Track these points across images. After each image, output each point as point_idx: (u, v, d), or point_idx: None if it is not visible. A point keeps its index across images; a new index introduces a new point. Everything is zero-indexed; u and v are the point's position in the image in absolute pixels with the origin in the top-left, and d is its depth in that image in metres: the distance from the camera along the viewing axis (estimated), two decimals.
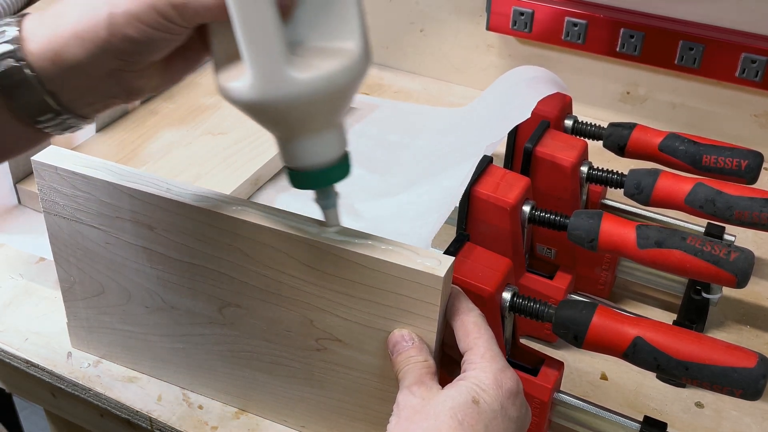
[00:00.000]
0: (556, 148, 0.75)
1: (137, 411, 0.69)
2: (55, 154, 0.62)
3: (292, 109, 0.46)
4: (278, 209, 0.57)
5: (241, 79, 0.46)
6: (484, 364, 0.52)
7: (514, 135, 0.82)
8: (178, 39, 0.48)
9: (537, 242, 0.78)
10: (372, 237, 0.54)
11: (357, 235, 0.54)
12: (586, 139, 0.80)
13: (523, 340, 0.67)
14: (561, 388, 0.65)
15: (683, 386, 0.73)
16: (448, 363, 0.57)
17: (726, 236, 0.76)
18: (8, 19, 0.49)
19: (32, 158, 0.62)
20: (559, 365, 0.64)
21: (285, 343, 0.60)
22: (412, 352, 0.54)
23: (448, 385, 0.51)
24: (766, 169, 0.94)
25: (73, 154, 0.63)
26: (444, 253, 0.60)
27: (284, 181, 0.92)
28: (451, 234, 0.67)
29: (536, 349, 0.66)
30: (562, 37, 1.04)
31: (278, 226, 0.55)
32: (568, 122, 0.83)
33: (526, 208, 0.71)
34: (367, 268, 0.53)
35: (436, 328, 0.53)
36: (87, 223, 0.63)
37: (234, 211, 0.56)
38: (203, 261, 0.60)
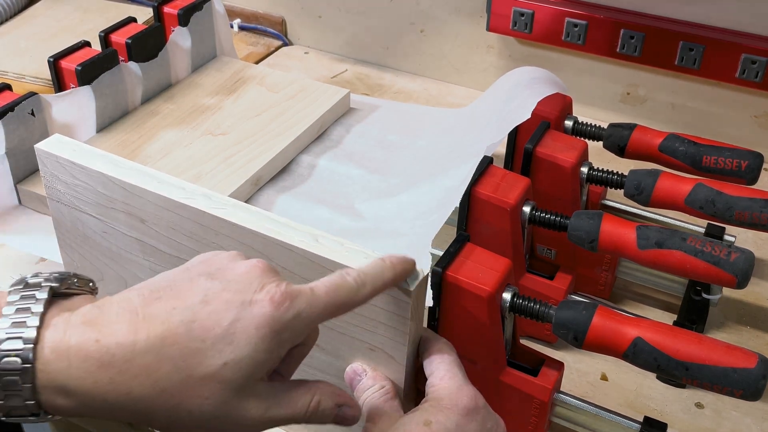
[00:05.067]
0: (556, 149, 0.75)
1: None
2: (57, 143, 0.63)
3: None
4: (264, 212, 0.57)
5: None
6: (442, 385, 0.52)
7: (514, 135, 0.82)
8: None
9: (537, 243, 0.78)
10: (350, 245, 0.53)
11: (335, 243, 0.54)
12: (586, 140, 0.80)
13: (523, 341, 0.67)
14: (561, 389, 0.65)
15: (683, 387, 0.73)
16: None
17: (726, 237, 0.76)
18: (31, 304, 0.41)
19: (35, 146, 0.63)
20: (559, 366, 0.64)
21: None
22: (367, 383, 0.55)
23: (409, 411, 0.52)
24: (766, 169, 0.94)
25: (74, 144, 0.63)
26: (444, 253, 0.60)
27: (284, 182, 0.92)
28: (452, 234, 0.67)
29: (536, 349, 0.66)
30: (563, 38, 1.04)
31: (258, 228, 0.55)
32: (568, 123, 0.83)
33: (527, 209, 0.71)
34: None
35: (407, 341, 0.53)
36: (85, 211, 0.64)
37: (218, 211, 0.56)
38: (190, 257, 0.60)
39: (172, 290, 0.43)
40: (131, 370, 0.40)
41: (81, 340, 0.40)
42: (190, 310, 0.42)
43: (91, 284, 0.47)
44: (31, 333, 0.40)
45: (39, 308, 0.41)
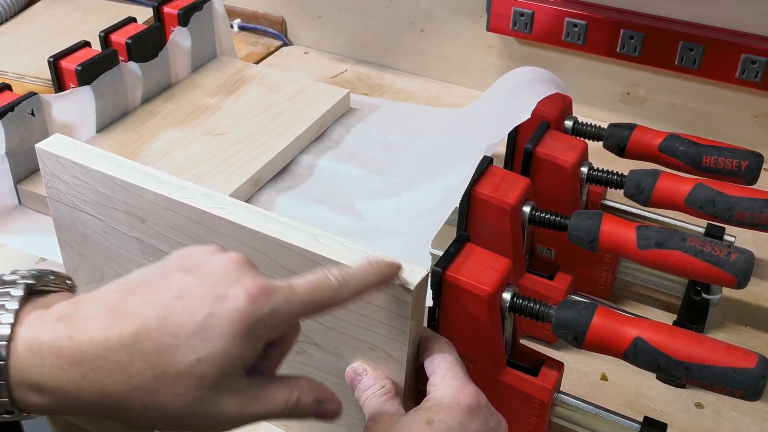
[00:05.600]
0: (556, 149, 0.75)
1: None
2: (57, 143, 0.63)
3: None
4: (264, 211, 0.57)
5: None
6: (443, 385, 0.52)
7: (514, 135, 0.82)
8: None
9: (537, 243, 0.78)
10: (350, 245, 0.54)
11: (336, 242, 0.54)
12: (586, 140, 0.80)
13: (523, 341, 0.67)
14: (561, 389, 0.65)
15: (683, 387, 0.73)
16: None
17: (726, 237, 0.76)
18: (6, 301, 0.41)
19: (36, 145, 0.63)
20: (559, 366, 0.64)
21: None
22: (368, 382, 0.55)
23: (411, 410, 0.52)
24: (766, 169, 0.94)
25: (75, 143, 0.63)
26: (444, 253, 0.60)
27: (285, 182, 0.92)
28: (452, 234, 0.67)
29: (536, 349, 0.66)
30: (563, 38, 1.04)
31: (259, 227, 0.55)
32: (568, 123, 0.83)
33: (527, 209, 0.71)
34: None
35: (407, 340, 0.53)
36: (86, 211, 0.64)
37: (219, 210, 0.57)
38: None
39: (147, 285, 0.43)
40: (104, 367, 0.40)
41: (54, 337, 0.40)
42: (163, 305, 0.41)
43: (68, 282, 0.46)
44: (5, 330, 0.40)
45: (14, 305, 0.41)
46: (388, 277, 0.49)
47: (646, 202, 0.75)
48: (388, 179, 0.92)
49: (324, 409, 0.47)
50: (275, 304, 0.42)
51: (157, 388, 0.40)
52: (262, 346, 0.43)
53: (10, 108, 0.83)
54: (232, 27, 1.29)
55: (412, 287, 0.51)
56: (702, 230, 0.77)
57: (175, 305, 0.41)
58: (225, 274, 0.43)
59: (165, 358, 0.40)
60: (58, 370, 0.40)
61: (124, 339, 0.40)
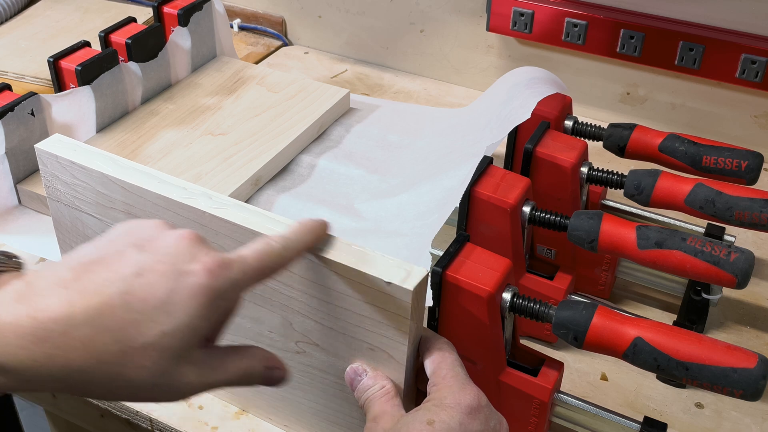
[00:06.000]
0: (556, 149, 0.75)
1: (137, 411, 0.69)
2: (57, 143, 0.63)
3: None
4: (265, 212, 0.57)
5: None
6: (444, 384, 0.53)
7: (514, 135, 0.82)
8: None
9: (537, 243, 0.78)
10: (350, 245, 0.54)
11: (335, 242, 0.54)
12: (586, 140, 0.80)
13: (523, 341, 0.67)
14: (561, 389, 0.65)
15: (683, 387, 0.73)
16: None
17: (726, 237, 0.76)
18: None
19: (35, 145, 0.63)
20: (559, 366, 0.64)
21: (268, 344, 0.60)
22: (368, 383, 0.55)
23: (412, 410, 0.52)
24: (766, 169, 0.94)
25: (74, 143, 0.63)
26: (444, 253, 0.60)
27: (284, 182, 0.92)
28: (452, 234, 0.67)
29: (536, 349, 0.66)
30: (562, 38, 1.04)
31: (258, 227, 0.55)
32: (568, 123, 0.83)
33: (527, 209, 0.71)
34: (341, 276, 0.53)
35: (407, 340, 0.53)
36: (85, 211, 0.64)
37: (219, 211, 0.56)
38: None
39: (102, 262, 0.43)
40: (69, 343, 0.41)
41: (14, 317, 0.41)
42: (124, 282, 0.42)
43: (15, 259, 0.47)
44: None
45: None
46: (321, 234, 0.52)
47: (646, 202, 0.75)
48: (388, 179, 0.92)
49: (272, 375, 0.49)
50: (233, 276, 0.44)
51: (122, 361, 0.42)
52: (220, 317, 0.45)
53: (10, 108, 0.83)
54: (232, 27, 1.29)
55: (411, 288, 0.51)
56: (702, 230, 0.77)
57: (136, 282, 0.42)
58: (180, 250, 0.44)
59: (130, 332, 0.41)
60: (20, 349, 0.40)
61: (88, 315, 0.41)
